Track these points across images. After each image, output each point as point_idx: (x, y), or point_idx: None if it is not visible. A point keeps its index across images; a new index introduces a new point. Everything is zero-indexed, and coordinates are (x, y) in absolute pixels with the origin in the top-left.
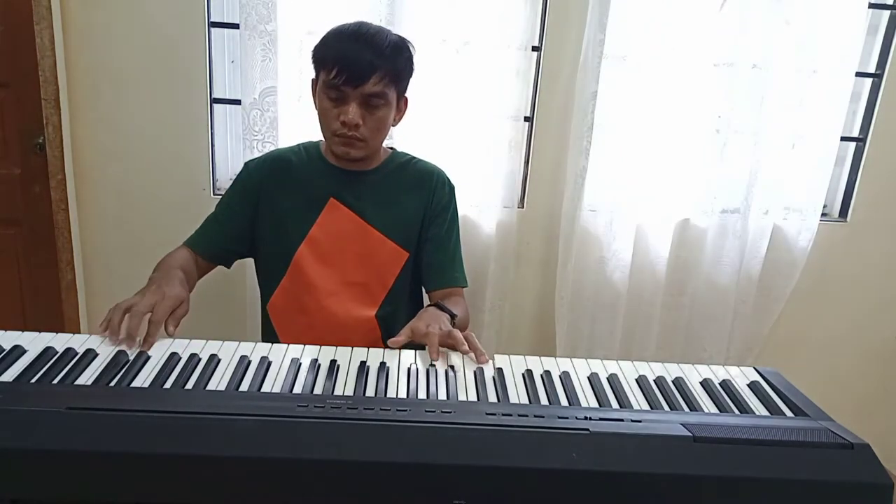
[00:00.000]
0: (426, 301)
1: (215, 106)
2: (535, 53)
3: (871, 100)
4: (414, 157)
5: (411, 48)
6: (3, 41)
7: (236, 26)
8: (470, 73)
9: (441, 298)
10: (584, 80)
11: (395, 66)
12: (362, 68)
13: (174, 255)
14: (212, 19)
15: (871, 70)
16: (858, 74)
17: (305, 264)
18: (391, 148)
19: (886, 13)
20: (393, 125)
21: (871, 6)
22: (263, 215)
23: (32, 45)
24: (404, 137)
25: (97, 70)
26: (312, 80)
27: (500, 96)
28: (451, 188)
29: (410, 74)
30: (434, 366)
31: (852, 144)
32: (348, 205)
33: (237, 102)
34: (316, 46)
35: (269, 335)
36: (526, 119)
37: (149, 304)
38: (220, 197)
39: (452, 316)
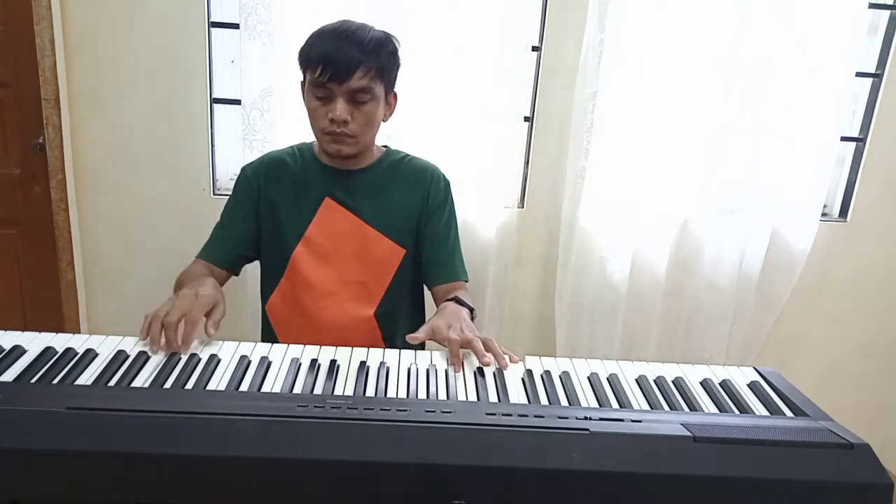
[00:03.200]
0: (426, 298)
1: (215, 106)
2: (535, 53)
3: (871, 100)
4: (408, 155)
5: (395, 42)
6: (3, 41)
7: (236, 26)
8: (470, 73)
9: (446, 294)
10: (584, 80)
11: (379, 60)
12: (346, 64)
13: (192, 269)
14: (212, 19)
15: (871, 70)
16: (858, 74)
17: (302, 264)
18: (385, 146)
19: (886, 13)
20: (383, 121)
21: (871, 6)
22: (263, 217)
23: (32, 45)
24: (405, 137)
25: (97, 70)
26: (301, 81)
27: (500, 96)
28: (447, 183)
29: (396, 69)
30: (434, 366)
31: (852, 144)
32: (344, 203)
33: (237, 102)
34: (301, 48)
35: (269, 336)
36: (526, 119)
37: (182, 309)
38: (223, 206)
39: (471, 310)
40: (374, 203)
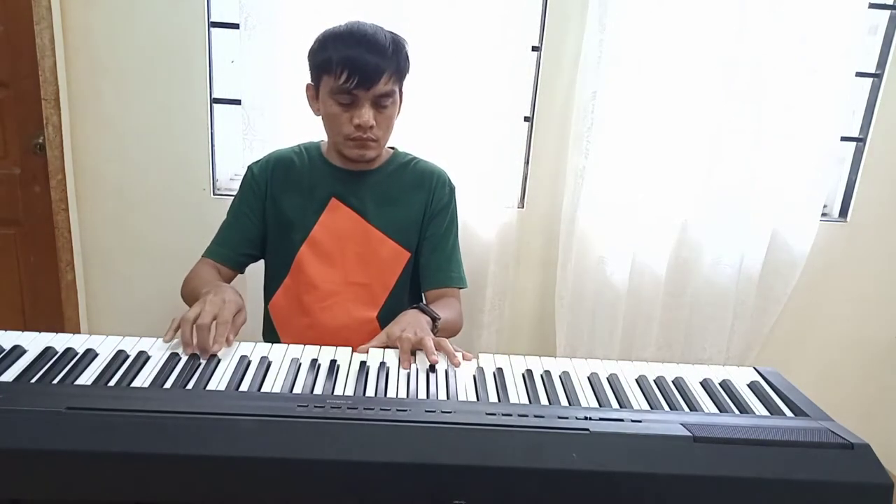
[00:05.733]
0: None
1: (215, 106)
2: (535, 53)
3: (871, 100)
4: (416, 158)
5: (406, 44)
6: (3, 41)
7: (236, 26)
8: (470, 73)
9: (435, 299)
10: (584, 80)
11: (399, 64)
12: (372, 70)
13: (202, 271)
14: (212, 19)
15: (871, 70)
16: (858, 74)
17: (307, 264)
18: (392, 148)
19: (886, 13)
20: None
21: (871, 6)
22: (270, 216)
23: (32, 45)
24: (405, 137)
25: (97, 70)
26: (308, 84)
27: (500, 96)
28: (452, 189)
29: (409, 70)
30: (434, 366)
31: (852, 144)
32: (350, 205)
33: (237, 102)
34: (313, 52)
35: (270, 335)
36: (526, 119)
37: (212, 314)
38: (227, 205)
39: (434, 318)
40: (381, 205)
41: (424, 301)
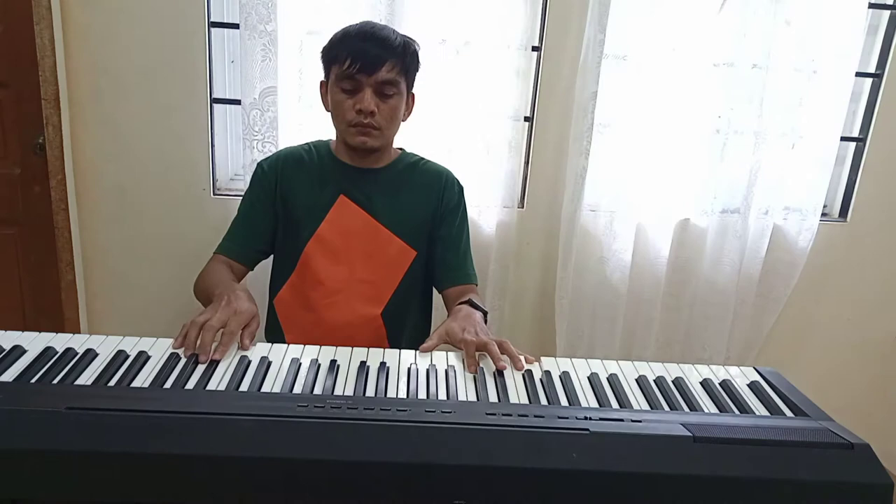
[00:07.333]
0: (433, 301)
1: (215, 106)
2: (535, 53)
3: (871, 100)
4: (423, 158)
5: (416, 46)
6: (3, 41)
7: (236, 26)
8: (470, 73)
9: (457, 296)
10: (584, 80)
11: (405, 59)
12: (374, 57)
13: (215, 269)
14: (212, 19)
15: (871, 70)
16: (858, 74)
17: (314, 261)
18: (401, 149)
19: (886, 13)
20: (403, 120)
21: (871, 6)
22: (279, 211)
23: (32, 45)
24: (406, 137)
25: (97, 70)
26: (321, 82)
27: (500, 96)
28: (461, 188)
29: (417, 70)
30: (434, 366)
31: (852, 144)
32: (358, 202)
33: (237, 102)
34: (325, 48)
35: (275, 330)
36: (526, 119)
37: (221, 321)
38: (240, 202)
39: (485, 313)
40: (389, 203)
41: (444, 300)
